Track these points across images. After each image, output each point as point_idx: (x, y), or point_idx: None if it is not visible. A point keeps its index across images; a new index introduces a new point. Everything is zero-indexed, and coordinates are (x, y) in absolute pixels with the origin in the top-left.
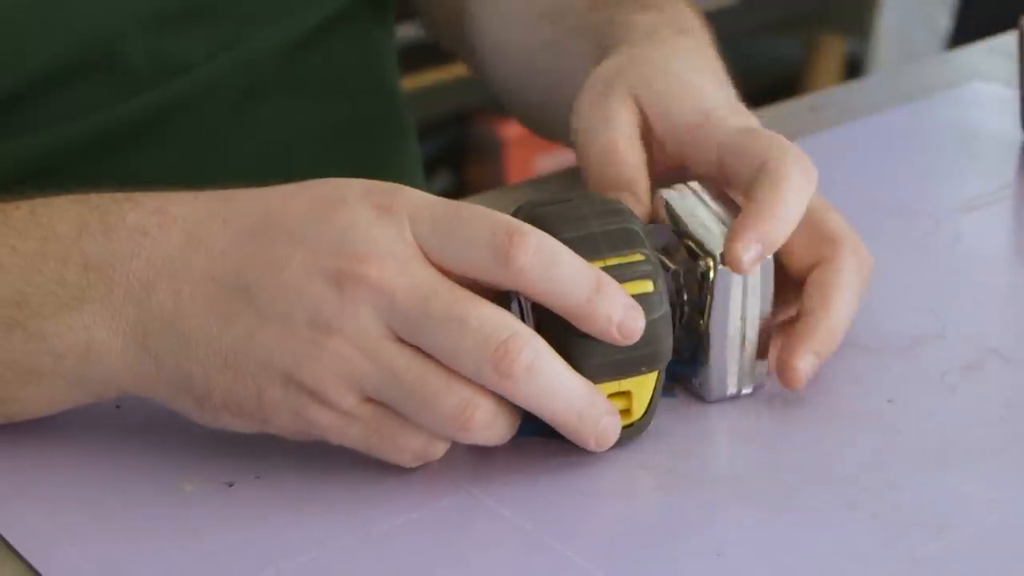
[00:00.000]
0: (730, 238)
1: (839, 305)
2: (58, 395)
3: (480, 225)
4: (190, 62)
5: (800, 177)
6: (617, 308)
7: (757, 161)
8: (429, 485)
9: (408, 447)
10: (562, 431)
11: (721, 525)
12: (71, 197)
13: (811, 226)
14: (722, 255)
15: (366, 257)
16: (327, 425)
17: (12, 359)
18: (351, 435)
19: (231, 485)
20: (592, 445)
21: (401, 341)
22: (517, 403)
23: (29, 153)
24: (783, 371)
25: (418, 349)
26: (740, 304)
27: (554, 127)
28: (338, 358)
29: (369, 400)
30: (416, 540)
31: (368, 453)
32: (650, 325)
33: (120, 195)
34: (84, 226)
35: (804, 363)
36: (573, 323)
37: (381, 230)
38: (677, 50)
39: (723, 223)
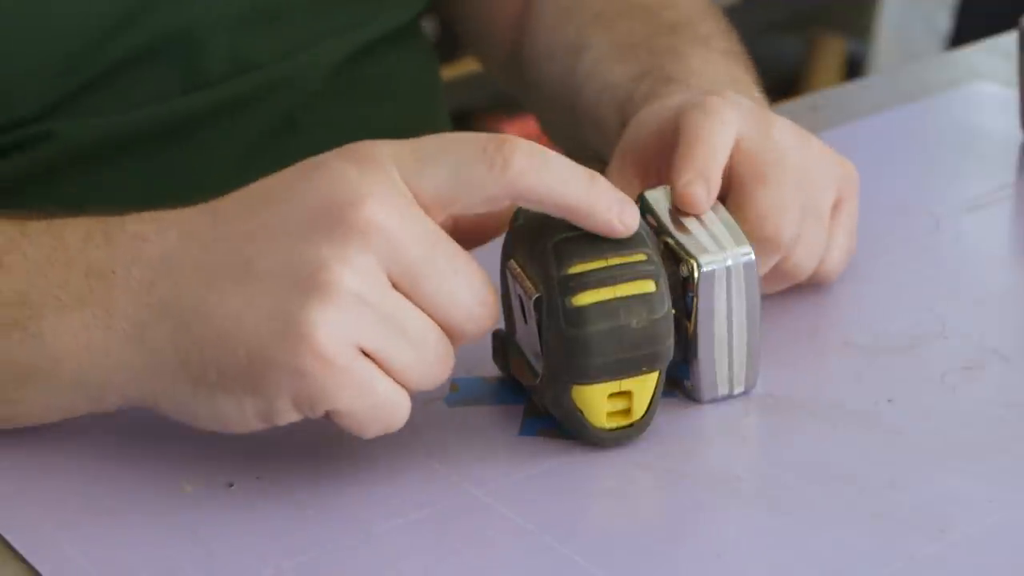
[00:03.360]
0: (674, 180)
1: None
2: (55, 399)
3: (465, 145)
4: (259, 62)
5: (714, 120)
6: (613, 198)
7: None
8: (429, 485)
9: (396, 412)
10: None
11: (720, 525)
12: (86, 216)
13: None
14: (700, 260)
15: (360, 201)
16: (320, 381)
17: (11, 358)
18: (342, 395)
19: (231, 485)
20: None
21: (394, 287)
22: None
23: (94, 134)
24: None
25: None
26: (726, 305)
27: (584, 138)
28: (339, 304)
29: (363, 355)
30: (416, 540)
31: (351, 419)
32: (652, 325)
33: (128, 214)
34: (90, 237)
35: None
36: (574, 220)
37: (370, 176)
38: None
39: (704, 226)
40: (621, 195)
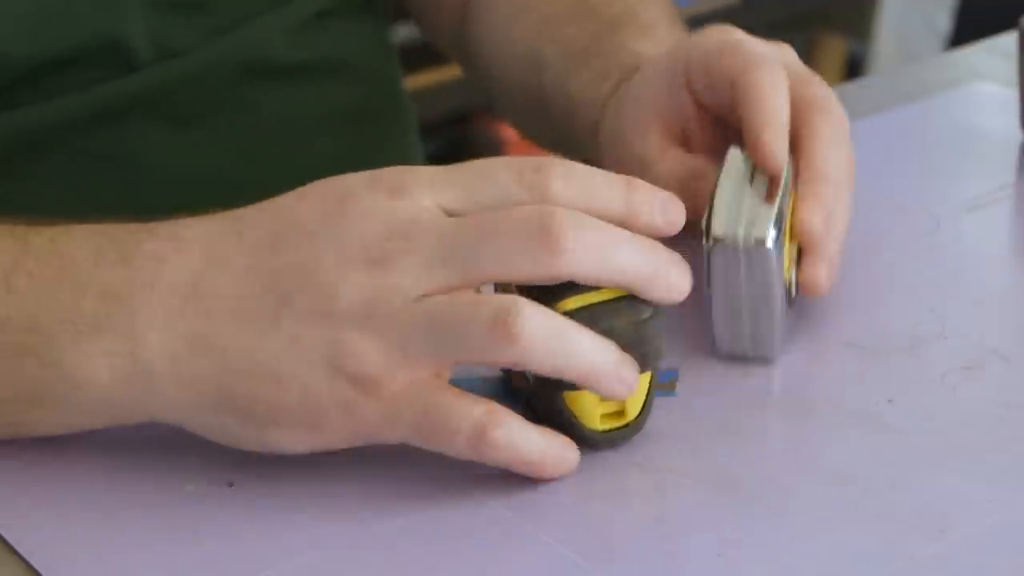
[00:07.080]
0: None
1: (830, 162)
2: (73, 419)
3: (504, 171)
4: (190, 45)
5: (771, 71)
6: (656, 200)
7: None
8: (429, 485)
9: (461, 426)
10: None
11: (720, 525)
12: (90, 227)
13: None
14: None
15: (394, 236)
16: (378, 413)
17: (23, 386)
18: (402, 422)
19: (231, 485)
20: (675, 294)
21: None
22: (530, 366)
23: (28, 124)
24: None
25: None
26: (737, 282)
27: (559, 142)
28: (382, 333)
29: (415, 381)
30: (416, 540)
31: (424, 444)
32: (642, 325)
33: (134, 225)
34: (101, 255)
35: (817, 221)
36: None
37: (401, 210)
38: None
39: (749, 195)
40: (661, 193)
